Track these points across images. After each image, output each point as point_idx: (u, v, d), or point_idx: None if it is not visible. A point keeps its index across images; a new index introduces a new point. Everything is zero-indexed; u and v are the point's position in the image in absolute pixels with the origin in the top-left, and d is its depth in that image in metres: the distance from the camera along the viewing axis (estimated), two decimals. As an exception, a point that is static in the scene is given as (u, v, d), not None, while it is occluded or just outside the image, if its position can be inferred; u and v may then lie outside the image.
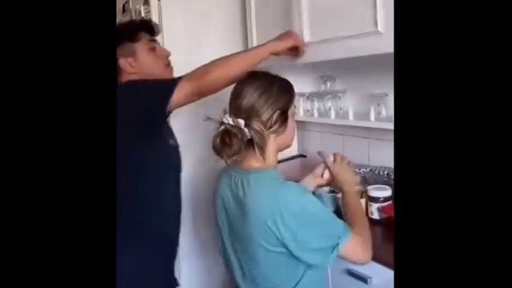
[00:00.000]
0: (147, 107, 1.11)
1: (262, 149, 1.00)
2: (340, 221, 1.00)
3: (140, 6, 1.89)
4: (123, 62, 1.23)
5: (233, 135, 0.97)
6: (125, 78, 1.25)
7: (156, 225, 1.23)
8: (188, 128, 1.56)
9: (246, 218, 0.97)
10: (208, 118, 1.02)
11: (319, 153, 1.27)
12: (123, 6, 2.21)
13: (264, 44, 1.24)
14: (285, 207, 0.93)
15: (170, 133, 1.33)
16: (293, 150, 2.03)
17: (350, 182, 1.19)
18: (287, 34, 1.31)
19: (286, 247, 0.94)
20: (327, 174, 1.27)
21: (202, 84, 1.12)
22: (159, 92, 1.12)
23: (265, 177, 1.00)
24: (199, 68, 1.14)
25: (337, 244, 0.95)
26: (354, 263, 1.05)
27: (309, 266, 0.99)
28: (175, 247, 1.34)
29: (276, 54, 1.26)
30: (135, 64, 1.24)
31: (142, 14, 1.89)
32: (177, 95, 1.10)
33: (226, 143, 0.97)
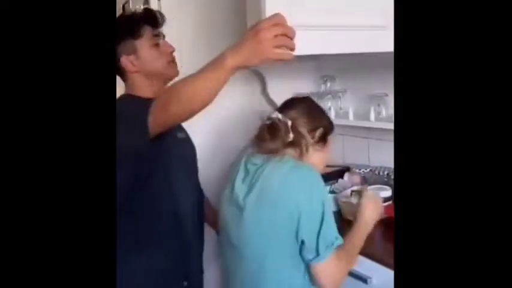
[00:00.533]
0: (129, 144, 1.00)
1: (301, 152, 1.07)
2: (336, 232, 1.04)
3: (140, 6, 1.89)
4: (125, 61, 1.18)
5: (277, 130, 1.06)
6: (127, 77, 1.22)
7: (167, 223, 1.20)
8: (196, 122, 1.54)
9: (271, 204, 1.01)
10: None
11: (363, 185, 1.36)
12: (123, 6, 2.21)
13: (220, 60, 0.86)
14: (315, 184, 1.02)
15: (177, 125, 1.26)
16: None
17: (373, 220, 1.12)
18: (251, 44, 0.83)
19: (295, 234, 0.99)
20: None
21: (163, 119, 0.98)
22: (135, 129, 0.99)
23: (289, 160, 1.06)
24: (158, 99, 0.98)
25: (331, 244, 1.00)
26: (319, 284, 1.03)
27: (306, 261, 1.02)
28: (193, 245, 1.28)
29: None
30: (137, 62, 1.19)
31: (143, 14, 1.88)
32: (151, 129, 0.98)
33: (270, 136, 1.06)
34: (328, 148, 1.15)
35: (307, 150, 1.08)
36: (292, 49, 0.84)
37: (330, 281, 1.01)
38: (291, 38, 0.83)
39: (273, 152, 1.05)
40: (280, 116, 1.07)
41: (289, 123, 1.06)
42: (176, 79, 1.19)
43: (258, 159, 1.10)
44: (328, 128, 1.14)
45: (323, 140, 1.12)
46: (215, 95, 0.90)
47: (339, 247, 1.01)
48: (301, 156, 1.07)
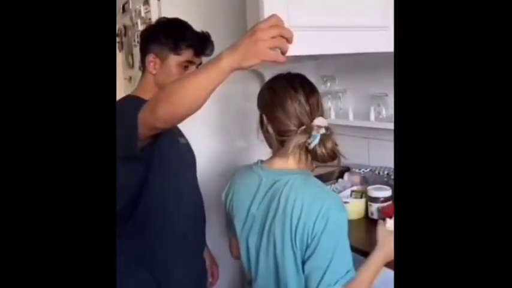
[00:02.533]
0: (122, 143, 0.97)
1: (317, 156, 1.00)
2: (350, 265, 0.95)
3: (140, 6, 1.89)
4: (150, 58, 1.20)
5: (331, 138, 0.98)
6: (145, 74, 1.24)
7: (174, 226, 1.21)
8: (197, 125, 1.54)
9: (284, 219, 0.96)
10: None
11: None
12: (123, 6, 2.21)
13: (217, 62, 0.85)
14: (332, 213, 0.94)
15: (178, 131, 1.29)
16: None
17: (391, 253, 1.03)
18: (248, 45, 0.83)
19: (307, 248, 0.94)
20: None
21: (151, 121, 0.94)
22: (126, 131, 0.97)
23: (311, 179, 1.01)
24: (149, 101, 0.96)
25: (334, 283, 0.91)
26: None
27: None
28: (195, 247, 1.30)
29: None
30: (158, 67, 1.21)
31: (142, 14, 1.89)
32: (141, 131, 0.97)
33: (332, 147, 0.98)
34: None
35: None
36: (285, 52, 0.84)
37: None
38: (288, 39, 0.83)
39: (292, 159, 1.00)
40: (325, 121, 0.99)
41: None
42: None
43: (265, 175, 1.04)
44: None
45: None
46: (206, 96, 0.88)
47: (350, 283, 0.93)
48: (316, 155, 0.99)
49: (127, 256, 1.14)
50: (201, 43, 1.22)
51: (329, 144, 0.96)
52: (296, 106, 1.00)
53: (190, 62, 1.21)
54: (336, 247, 0.92)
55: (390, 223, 1.09)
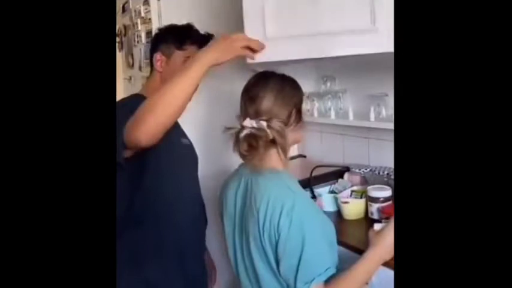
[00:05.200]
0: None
1: (284, 149, 1.01)
2: (328, 262, 0.93)
3: (140, 6, 1.90)
4: (157, 57, 1.26)
5: (259, 138, 0.97)
6: (153, 73, 1.27)
7: (171, 229, 1.21)
8: (195, 126, 1.55)
9: (254, 218, 0.98)
10: (228, 128, 1.00)
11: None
12: (123, 6, 2.21)
13: (196, 58, 0.99)
14: (296, 210, 0.93)
15: (181, 132, 1.30)
16: (293, 150, 2.03)
17: (389, 251, 0.94)
18: (224, 44, 1.04)
19: (276, 246, 0.94)
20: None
21: (136, 138, 0.91)
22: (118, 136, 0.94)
23: (281, 178, 1.01)
24: (130, 121, 0.93)
25: (311, 281, 0.91)
26: None
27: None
28: (194, 250, 1.30)
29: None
30: (164, 65, 1.25)
31: (142, 14, 1.89)
32: (128, 145, 0.94)
33: (254, 146, 0.97)
34: (303, 120, 1.07)
35: (288, 138, 1.00)
36: (255, 51, 1.11)
37: None
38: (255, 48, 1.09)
39: (261, 156, 0.98)
40: (254, 123, 0.97)
41: (265, 124, 0.97)
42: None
43: (246, 178, 1.06)
44: (300, 101, 1.05)
45: (299, 118, 1.05)
46: (188, 99, 0.97)
47: (331, 281, 0.92)
48: (284, 150, 1.00)
49: (124, 257, 1.14)
50: (204, 39, 1.26)
51: (244, 146, 0.97)
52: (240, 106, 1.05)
53: None
54: (303, 245, 0.91)
55: (379, 226, 1.08)
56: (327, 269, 0.92)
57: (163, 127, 0.95)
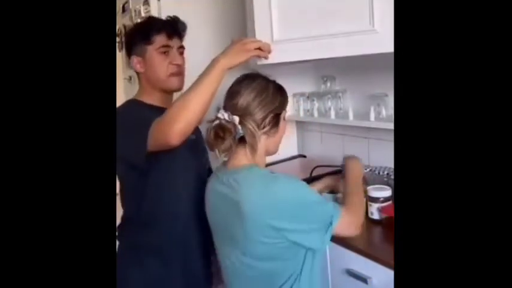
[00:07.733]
0: (128, 157, 1.09)
1: (253, 148, 1.02)
2: (330, 202, 1.04)
3: (140, 6, 1.89)
4: (134, 60, 1.25)
5: (227, 131, 1.00)
6: (140, 78, 1.28)
7: (172, 227, 1.21)
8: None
9: (242, 218, 0.97)
10: (208, 121, 1.04)
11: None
12: (123, 6, 2.21)
13: (213, 64, 1.06)
14: (280, 200, 0.96)
15: None
16: (293, 150, 2.03)
17: (360, 173, 1.25)
18: (236, 47, 1.10)
19: (286, 237, 0.96)
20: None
21: (167, 138, 1.01)
22: (136, 142, 1.06)
23: (254, 175, 1.02)
24: (155, 125, 1.04)
25: (331, 223, 0.98)
26: (344, 236, 1.08)
27: (309, 250, 1.02)
28: (198, 249, 1.28)
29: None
30: (143, 64, 1.25)
31: (142, 14, 1.89)
32: (150, 147, 1.05)
33: (220, 137, 1.00)
34: (283, 128, 1.09)
35: (258, 141, 1.02)
36: (268, 52, 1.19)
37: (351, 231, 1.04)
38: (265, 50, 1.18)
39: (227, 150, 1.01)
40: (226, 115, 1.00)
41: (237, 120, 1.00)
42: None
43: (223, 176, 1.07)
44: (280, 108, 1.07)
45: (275, 124, 1.06)
46: (211, 98, 1.03)
47: (341, 209, 1.02)
48: (253, 150, 1.02)
49: (125, 256, 1.15)
50: (169, 25, 1.27)
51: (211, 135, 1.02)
52: None
53: (167, 46, 1.24)
54: (305, 216, 0.97)
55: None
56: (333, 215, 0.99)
57: (192, 126, 1.03)
